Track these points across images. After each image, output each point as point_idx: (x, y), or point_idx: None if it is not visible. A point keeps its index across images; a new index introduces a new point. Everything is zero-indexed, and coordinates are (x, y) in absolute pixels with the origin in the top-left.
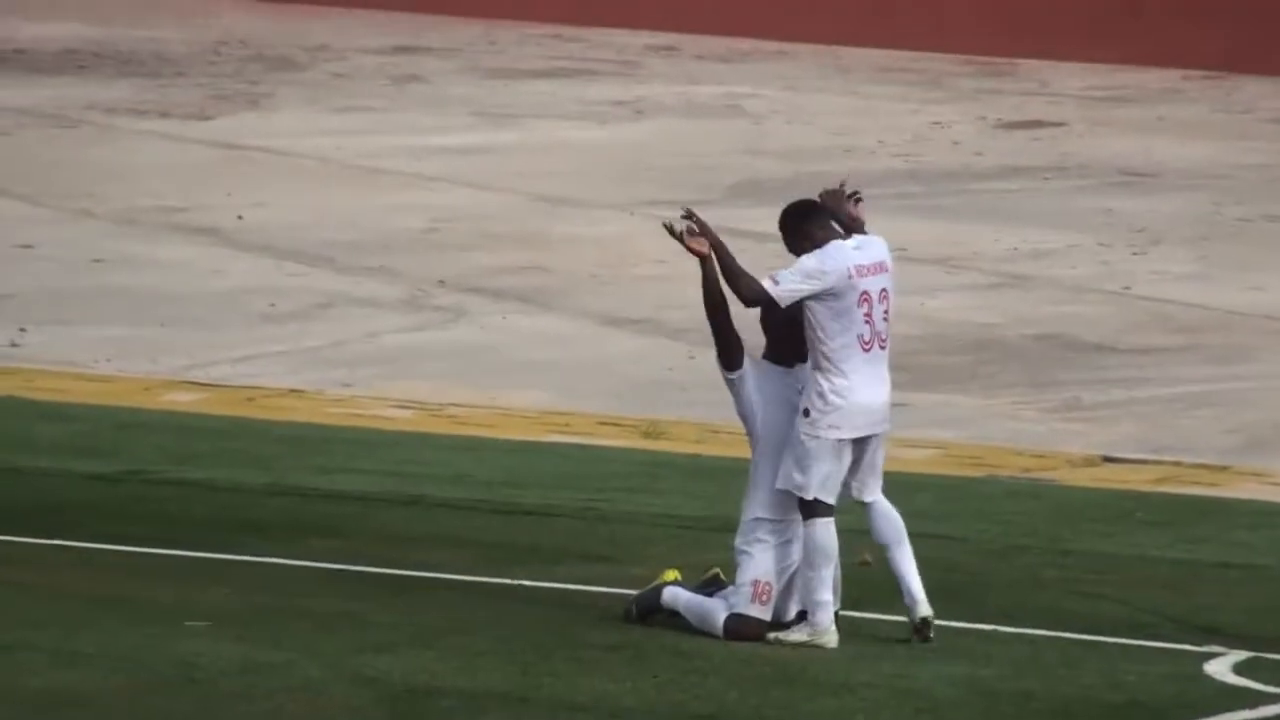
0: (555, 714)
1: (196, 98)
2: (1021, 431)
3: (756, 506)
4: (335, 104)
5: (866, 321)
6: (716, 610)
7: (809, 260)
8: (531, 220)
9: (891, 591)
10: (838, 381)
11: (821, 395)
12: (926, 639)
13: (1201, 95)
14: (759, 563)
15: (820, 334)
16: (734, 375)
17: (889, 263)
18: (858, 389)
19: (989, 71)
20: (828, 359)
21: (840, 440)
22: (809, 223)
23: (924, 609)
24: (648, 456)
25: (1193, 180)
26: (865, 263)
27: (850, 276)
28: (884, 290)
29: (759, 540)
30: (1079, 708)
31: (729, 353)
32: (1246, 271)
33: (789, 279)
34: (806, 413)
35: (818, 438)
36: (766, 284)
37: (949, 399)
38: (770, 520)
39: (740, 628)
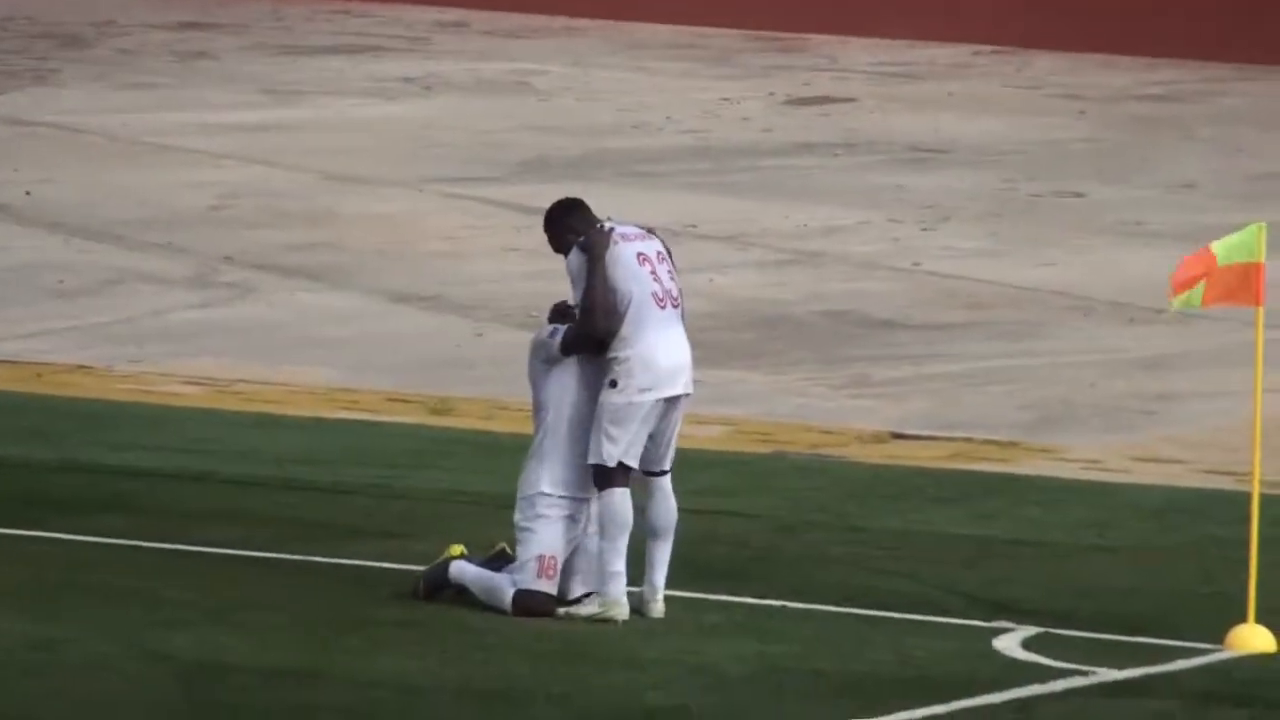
0: (347, 690)
1: None
2: (811, 408)
3: (540, 481)
4: (123, 80)
5: (654, 279)
6: (503, 586)
7: (570, 260)
8: (320, 197)
9: (682, 566)
10: (639, 346)
11: (625, 361)
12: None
13: (992, 70)
14: (543, 538)
15: (617, 300)
16: (561, 356)
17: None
18: (659, 347)
19: (779, 47)
20: (627, 326)
21: (651, 402)
22: (570, 218)
23: (658, 608)
24: (436, 433)
25: (984, 156)
26: (625, 230)
27: (616, 243)
28: (660, 252)
29: (541, 515)
30: (868, 684)
31: (573, 351)
32: (1037, 247)
33: (580, 294)
34: (614, 383)
35: (630, 403)
36: (583, 318)
37: (739, 375)
38: (552, 495)
39: (528, 603)
